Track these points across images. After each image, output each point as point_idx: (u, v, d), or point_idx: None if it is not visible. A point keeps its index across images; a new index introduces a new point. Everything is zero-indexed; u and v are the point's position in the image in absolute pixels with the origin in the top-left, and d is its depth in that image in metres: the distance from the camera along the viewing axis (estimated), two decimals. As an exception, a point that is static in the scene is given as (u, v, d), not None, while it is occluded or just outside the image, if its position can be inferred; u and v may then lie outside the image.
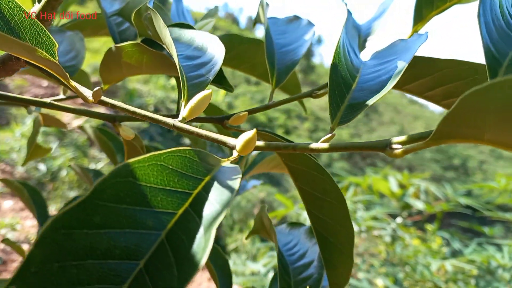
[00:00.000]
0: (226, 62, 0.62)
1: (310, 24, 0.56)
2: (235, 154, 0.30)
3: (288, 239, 0.53)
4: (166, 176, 0.25)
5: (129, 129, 0.45)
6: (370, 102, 0.32)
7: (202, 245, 0.22)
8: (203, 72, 0.38)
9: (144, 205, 0.24)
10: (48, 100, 0.45)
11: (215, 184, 0.26)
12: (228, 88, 0.47)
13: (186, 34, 0.45)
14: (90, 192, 0.21)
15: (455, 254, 2.68)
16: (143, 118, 0.34)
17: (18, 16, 0.30)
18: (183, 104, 0.35)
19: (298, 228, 0.55)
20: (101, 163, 5.67)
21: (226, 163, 0.28)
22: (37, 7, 0.33)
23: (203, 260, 0.21)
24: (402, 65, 0.33)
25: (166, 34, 0.38)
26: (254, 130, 0.29)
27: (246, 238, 0.59)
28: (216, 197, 0.25)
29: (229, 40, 0.59)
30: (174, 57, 0.37)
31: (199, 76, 0.38)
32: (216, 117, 0.47)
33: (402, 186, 2.88)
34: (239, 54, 0.61)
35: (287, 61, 0.51)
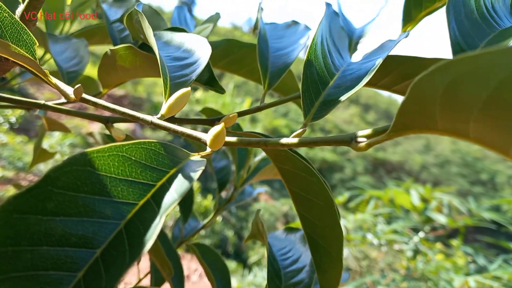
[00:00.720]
0: (225, 67, 0.62)
1: (306, 29, 0.56)
2: (208, 149, 0.30)
3: (283, 244, 0.53)
4: (128, 167, 0.25)
5: (120, 130, 0.45)
6: (343, 98, 0.31)
7: (153, 232, 0.22)
8: (187, 72, 0.39)
9: (104, 194, 0.24)
10: (42, 101, 0.46)
11: (179, 176, 0.26)
12: (219, 90, 0.47)
13: (177, 37, 0.45)
14: (42, 178, 0.22)
15: (479, 270, 2.60)
16: (123, 115, 0.35)
17: None
18: (163, 102, 0.36)
19: (294, 233, 0.54)
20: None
21: (195, 157, 0.29)
22: (21, 7, 0.34)
23: (149, 245, 0.21)
24: (378, 61, 0.33)
25: (149, 35, 0.38)
26: (222, 124, 0.29)
27: (245, 243, 0.59)
28: (177, 188, 0.25)
29: (228, 45, 0.60)
30: (157, 56, 0.38)
31: (182, 76, 0.38)
32: (208, 118, 0.47)
33: (424, 200, 2.82)
34: (238, 59, 0.61)
35: (280, 64, 0.51)
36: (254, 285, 3.54)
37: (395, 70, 0.41)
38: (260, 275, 4.27)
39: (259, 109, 0.48)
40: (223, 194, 0.78)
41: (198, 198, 4.94)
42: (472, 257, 2.65)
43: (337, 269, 0.43)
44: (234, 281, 3.96)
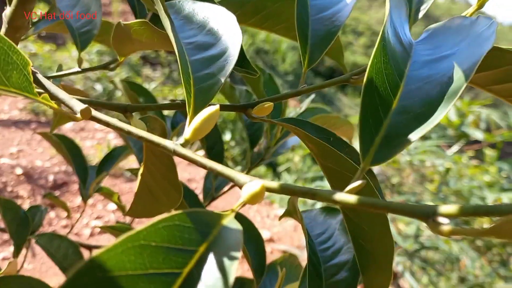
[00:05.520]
0: (257, 23, 0.54)
1: (354, -21, 0.47)
2: (241, 200, 0.25)
3: (322, 229, 0.49)
4: (148, 257, 0.20)
5: (141, 122, 0.40)
6: (413, 137, 0.25)
7: None
8: (214, 70, 0.32)
9: (119, 298, 0.19)
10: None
11: (210, 257, 0.21)
12: (251, 72, 0.40)
13: (200, 11, 0.38)
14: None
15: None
16: (140, 139, 0.29)
17: (-21, 33, 0.24)
18: (188, 118, 0.30)
19: (334, 216, 0.50)
20: (154, 83, 5.75)
21: (229, 220, 0.23)
22: (8, 9, 0.27)
23: None
24: (459, 82, 0.25)
25: (167, 28, 0.31)
26: (262, 184, 0.24)
27: (279, 219, 0.55)
28: (208, 283, 0.20)
29: (259, -2, 0.51)
30: (177, 55, 0.31)
31: (208, 76, 0.32)
32: (240, 105, 0.41)
33: (461, 115, 2.70)
34: (273, 14, 0.52)
35: (323, 32, 0.43)
36: (282, 201, 3.66)
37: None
38: (291, 181, 4.36)
39: (298, 93, 0.41)
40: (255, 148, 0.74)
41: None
42: (507, 173, 2.59)
43: (385, 277, 0.39)
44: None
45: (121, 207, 0.82)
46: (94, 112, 0.29)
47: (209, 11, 0.37)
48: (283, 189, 0.25)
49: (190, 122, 0.29)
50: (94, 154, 3.59)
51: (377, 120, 0.26)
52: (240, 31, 0.34)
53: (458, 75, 0.26)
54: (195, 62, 0.33)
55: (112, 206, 2.79)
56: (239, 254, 0.21)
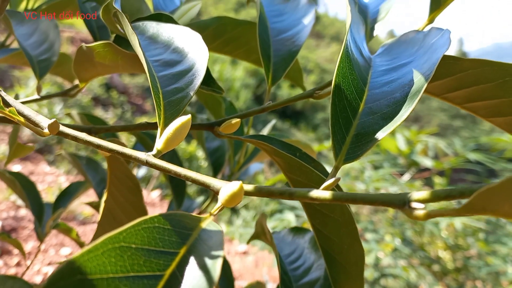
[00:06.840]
0: (218, 48, 0.55)
1: (310, 5, 0.49)
2: (219, 203, 0.25)
3: (291, 249, 0.49)
4: (129, 260, 0.20)
5: (106, 147, 0.39)
6: (380, 135, 0.26)
7: None
8: (182, 85, 0.32)
9: (100, 302, 0.19)
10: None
11: (192, 260, 0.21)
12: (217, 90, 0.41)
13: (164, 32, 0.38)
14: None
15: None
16: (111, 152, 0.29)
17: None
18: (159, 130, 0.30)
19: (303, 235, 0.50)
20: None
21: (207, 222, 0.23)
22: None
23: None
24: (420, 82, 0.27)
25: (135, 44, 0.32)
26: (240, 183, 0.24)
27: (248, 243, 0.55)
28: (191, 285, 0.20)
29: (220, 23, 0.53)
30: (143, 64, 0.31)
31: (177, 91, 0.32)
32: (206, 123, 0.41)
33: (410, 143, 2.82)
34: (233, 39, 0.54)
35: (285, 52, 0.44)
36: (241, 237, 3.62)
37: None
38: (249, 218, 4.34)
39: (263, 110, 0.42)
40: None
41: (181, 144, 4.85)
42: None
43: (357, 287, 0.40)
44: (223, 226, 4.02)
45: (80, 243, 0.79)
46: (62, 127, 0.29)
47: (173, 31, 0.38)
48: (260, 191, 0.25)
49: (161, 134, 0.29)
50: (45, 197, 3.43)
51: (347, 121, 0.27)
52: (206, 48, 0.35)
53: (418, 77, 0.27)
54: (163, 77, 0.33)
55: (66, 251, 2.65)
56: (221, 253, 0.21)
